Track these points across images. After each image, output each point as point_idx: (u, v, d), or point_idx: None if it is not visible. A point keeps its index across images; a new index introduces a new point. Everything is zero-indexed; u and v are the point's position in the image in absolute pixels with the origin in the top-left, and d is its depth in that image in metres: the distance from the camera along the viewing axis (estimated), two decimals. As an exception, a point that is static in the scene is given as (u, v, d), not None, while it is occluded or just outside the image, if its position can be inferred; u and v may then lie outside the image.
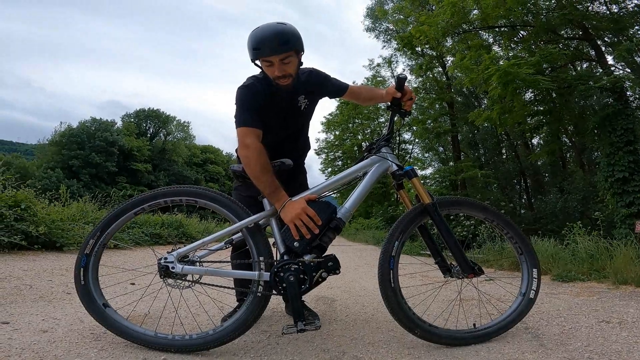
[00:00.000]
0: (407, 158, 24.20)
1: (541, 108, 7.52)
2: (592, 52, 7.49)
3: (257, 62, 1.38)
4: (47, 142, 38.77)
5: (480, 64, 6.78)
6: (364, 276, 3.74)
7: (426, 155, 18.73)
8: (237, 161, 1.61)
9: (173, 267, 1.29)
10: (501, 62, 6.11)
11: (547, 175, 13.82)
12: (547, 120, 8.02)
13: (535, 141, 13.97)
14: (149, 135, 46.25)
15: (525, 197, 13.77)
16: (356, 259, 6.33)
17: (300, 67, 1.45)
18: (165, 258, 1.31)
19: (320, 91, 1.65)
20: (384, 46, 17.26)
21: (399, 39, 11.76)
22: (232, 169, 1.46)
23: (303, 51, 1.40)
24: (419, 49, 11.89)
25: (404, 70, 16.60)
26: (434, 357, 1.29)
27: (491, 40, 8.84)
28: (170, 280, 1.32)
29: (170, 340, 1.30)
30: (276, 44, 1.28)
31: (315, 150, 25.67)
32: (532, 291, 1.49)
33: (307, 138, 1.83)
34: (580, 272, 3.12)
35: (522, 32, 7.94)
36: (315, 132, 25.14)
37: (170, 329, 1.48)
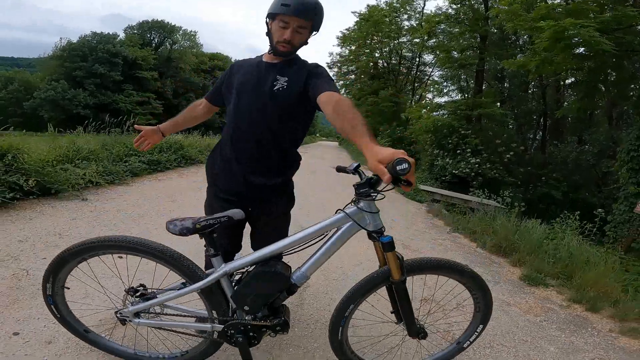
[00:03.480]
0: (424, 80, 22.79)
1: (588, 64, 6.58)
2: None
3: (271, 22, 1.31)
4: (48, 57, 38.95)
5: (531, 10, 5.72)
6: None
7: (444, 83, 17.42)
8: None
9: (130, 320, 1.36)
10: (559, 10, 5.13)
11: (569, 119, 12.95)
12: (587, 79, 7.10)
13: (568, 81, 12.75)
14: (153, 45, 46.44)
15: (540, 140, 13.17)
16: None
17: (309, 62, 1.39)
18: (121, 312, 1.36)
19: (305, 79, 1.31)
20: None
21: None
22: None
23: (318, 31, 1.36)
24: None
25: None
26: None
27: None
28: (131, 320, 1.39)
29: (147, 357, 1.48)
30: (306, 8, 1.24)
31: (327, 63, 24.77)
32: (467, 342, 1.54)
33: (288, 152, 1.42)
34: (550, 274, 3.05)
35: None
36: (330, 45, 23.67)
37: (147, 347, 1.59)
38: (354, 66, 24.04)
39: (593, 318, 2.42)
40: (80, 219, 3.38)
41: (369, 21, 19.44)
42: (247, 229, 1.56)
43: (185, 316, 1.40)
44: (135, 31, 46.70)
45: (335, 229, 1.23)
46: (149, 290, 1.37)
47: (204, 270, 1.32)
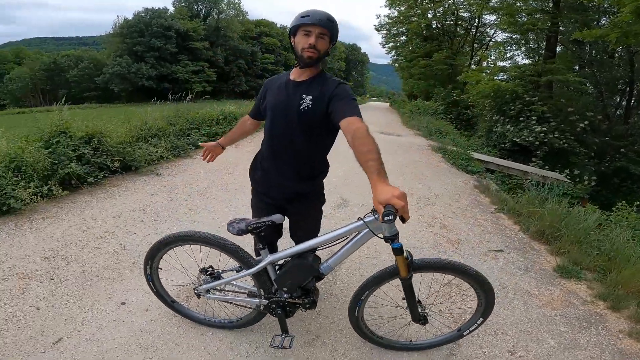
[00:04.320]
0: (485, 42, 20.61)
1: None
2: None
3: (293, 39, 1.47)
4: (109, 34, 42.29)
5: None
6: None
7: (508, 47, 15.58)
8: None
9: (203, 295, 1.78)
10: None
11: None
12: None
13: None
14: (201, 16, 48.52)
15: (623, 109, 11.51)
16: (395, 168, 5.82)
17: (332, 76, 1.54)
18: (197, 289, 1.79)
19: (327, 101, 1.43)
20: None
21: None
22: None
23: (335, 42, 1.50)
24: None
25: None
26: None
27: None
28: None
29: (213, 322, 1.90)
30: (324, 17, 1.41)
31: (375, 26, 24.08)
32: (467, 330, 1.74)
33: (315, 161, 1.62)
34: (588, 267, 2.88)
35: None
36: (377, 6, 22.36)
37: (213, 314, 2.00)
38: (404, 27, 22.39)
39: (611, 317, 2.32)
40: (157, 194, 3.89)
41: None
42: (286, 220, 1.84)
43: (240, 292, 1.81)
44: (182, 4, 48.65)
45: (356, 232, 1.45)
46: (216, 271, 1.77)
47: (254, 258, 1.64)
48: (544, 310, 2.33)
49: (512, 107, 11.89)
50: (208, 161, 1.94)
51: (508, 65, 14.74)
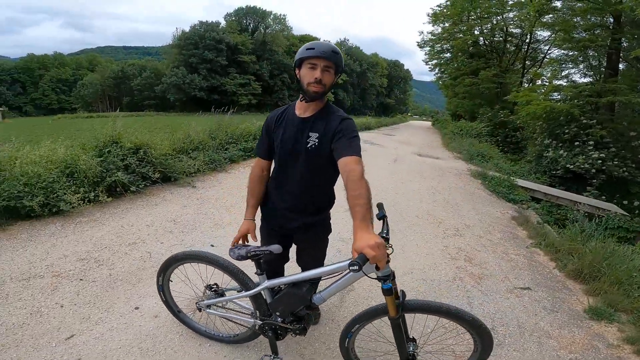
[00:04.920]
0: (538, 59, 19.47)
1: None
2: None
3: (299, 71, 1.49)
4: (169, 45, 46.71)
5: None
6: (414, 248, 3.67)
7: (563, 64, 14.57)
8: None
9: (204, 309, 1.92)
10: None
11: None
12: None
13: None
14: (249, 30, 52.31)
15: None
16: (423, 194, 5.72)
17: (337, 110, 1.55)
18: (198, 303, 1.93)
19: (331, 138, 1.46)
20: None
21: None
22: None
23: (340, 74, 1.52)
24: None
25: None
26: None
27: None
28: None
29: (212, 335, 2.01)
30: (329, 49, 1.43)
31: (417, 42, 24.03)
32: None
33: (323, 194, 1.69)
34: (625, 309, 2.61)
35: None
36: (419, 22, 22.32)
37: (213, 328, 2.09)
38: (449, 44, 21.89)
39: (632, 362, 2.08)
40: (189, 206, 4.13)
41: (463, -5, 17.34)
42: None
43: (239, 311, 1.90)
44: (233, 18, 52.72)
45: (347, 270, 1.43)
46: (220, 288, 1.89)
47: (253, 281, 1.72)
48: (559, 354, 2.16)
49: (567, 131, 11.05)
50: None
51: (564, 84, 13.78)
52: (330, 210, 1.80)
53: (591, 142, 10.39)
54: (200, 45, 44.25)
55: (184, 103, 44.70)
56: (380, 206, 1.60)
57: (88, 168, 3.91)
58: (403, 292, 1.42)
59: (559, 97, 13.18)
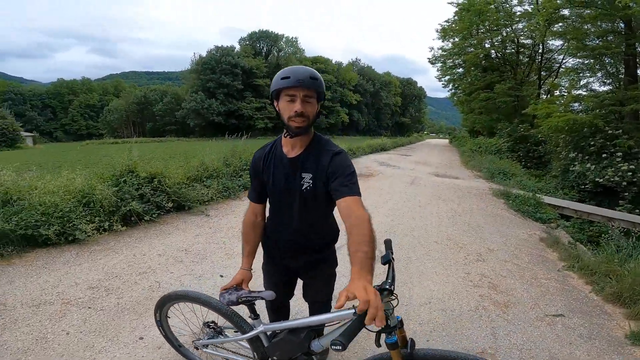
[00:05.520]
0: (554, 69, 19.06)
1: None
2: None
3: (276, 103, 1.35)
4: (187, 70, 48.85)
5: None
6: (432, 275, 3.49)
7: (580, 73, 14.16)
8: None
9: (200, 348, 1.81)
10: None
11: None
12: None
13: None
14: (263, 54, 54.28)
15: None
16: (437, 225, 5.57)
17: (326, 142, 1.42)
18: (195, 342, 1.81)
19: (326, 178, 1.35)
20: None
21: None
22: None
23: (323, 100, 1.38)
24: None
25: None
26: None
27: None
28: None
29: None
30: (307, 76, 1.27)
31: (428, 58, 23.90)
32: None
33: (325, 233, 1.59)
34: None
35: None
36: (430, 39, 22.52)
37: None
38: (460, 59, 21.82)
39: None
40: (202, 235, 4.11)
41: (470, 11, 17.54)
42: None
43: (236, 352, 1.80)
44: (247, 42, 54.54)
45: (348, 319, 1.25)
46: (218, 327, 1.79)
47: (248, 323, 1.60)
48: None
49: (592, 142, 10.58)
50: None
51: (584, 94, 13.33)
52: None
53: (619, 154, 9.88)
54: (217, 70, 45.77)
55: (203, 128, 46.06)
56: (387, 244, 1.39)
57: (104, 198, 3.99)
58: (412, 341, 1.24)
59: (580, 107, 12.75)
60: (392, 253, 1.28)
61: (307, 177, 1.38)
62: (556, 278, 3.48)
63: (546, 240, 4.79)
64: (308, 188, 1.38)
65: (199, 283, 2.92)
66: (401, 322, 1.17)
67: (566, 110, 11.87)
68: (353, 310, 1.19)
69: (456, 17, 20.54)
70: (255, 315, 1.52)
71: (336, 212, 1.56)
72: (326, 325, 1.35)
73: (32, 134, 46.81)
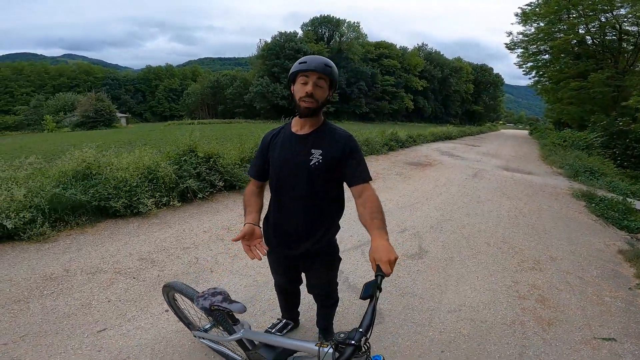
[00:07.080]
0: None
1: None
2: None
3: (292, 86, 1.45)
4: (254, 56, 51.11)
5: None
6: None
7: None
8: None
9: (198, 338, 1.84)
10: None
11: None
12: None
13: None
14: (325, 39, 54.27)
15: None
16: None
17: (337, 127, 1.52)
18: (194, 331, 1.84)
19: (338, 159, 1.44)
20: None
21: None
22: None
23: (335, 88, 1.48)
24: None
25: None
26: None
27: None
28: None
29: (221, 351, 1.89)
30: (321, 63, 1.39)
31: (506, 44, 21.81)
32: None
33: (327, 213, 1.55)
34: None
35: None
36: (508, 23, 20.19)
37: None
38: (546, 45, 19.21)
39: None
40: (245, 215, 4.32)
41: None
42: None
43: (227, 347, 1.82)
44: (309, 28, 54.72)
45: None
46: (212, 321, 1.76)
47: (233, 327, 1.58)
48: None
49: None
50: (258, 257, 1.40)
51: None
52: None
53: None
54: (281, 55, 46.85)
55: (268, 110, 48.01)
56: (368, 285, 1.06)
57: (166, 175, 4.44)
58: None
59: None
60: (379, 290, 1.05)
61: (317, 153, 1.44)
62: (623, 297, 3.00)
63: (626, 252, 4.10)
64: (317, 164, 1.43)
65: (232, 262, 3.10)
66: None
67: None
68: (315, 348, 1.08)
69: (540, 1, 18.14)
70: (233, 321, 1.48)
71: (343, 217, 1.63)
72: (295, 355, 1.32)
73: (126, 115, 53.56)
